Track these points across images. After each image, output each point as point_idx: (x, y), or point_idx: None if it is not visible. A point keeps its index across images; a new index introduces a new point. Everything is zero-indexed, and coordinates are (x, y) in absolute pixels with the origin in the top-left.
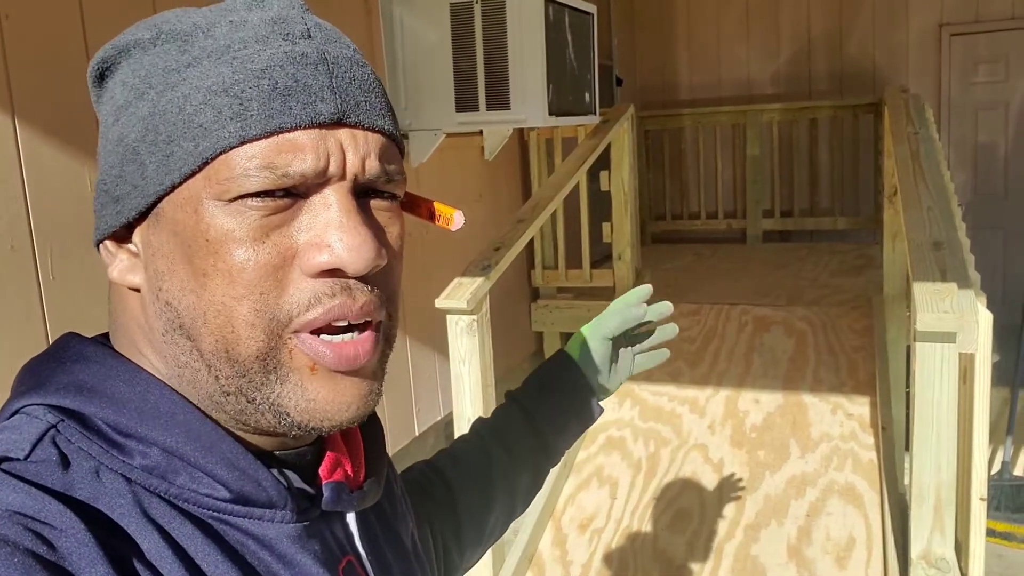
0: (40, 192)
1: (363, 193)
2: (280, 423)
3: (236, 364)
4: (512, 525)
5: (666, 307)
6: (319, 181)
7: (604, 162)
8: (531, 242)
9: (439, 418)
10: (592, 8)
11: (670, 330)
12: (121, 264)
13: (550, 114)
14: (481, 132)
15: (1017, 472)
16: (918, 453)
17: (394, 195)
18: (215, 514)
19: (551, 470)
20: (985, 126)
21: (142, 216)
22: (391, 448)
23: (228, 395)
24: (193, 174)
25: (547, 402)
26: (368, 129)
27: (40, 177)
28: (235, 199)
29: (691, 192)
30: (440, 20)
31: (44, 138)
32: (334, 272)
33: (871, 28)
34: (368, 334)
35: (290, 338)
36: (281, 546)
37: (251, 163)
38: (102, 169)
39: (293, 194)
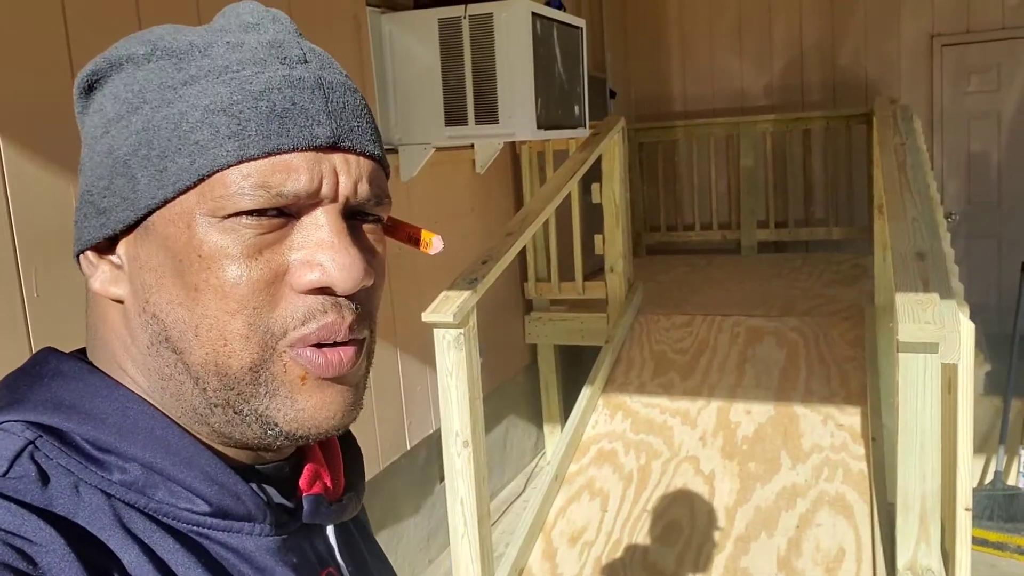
0: (24, 208)
1: (351, 215)
2: (267, 434)
3: (226, 377)
4: (504, 540)
5: None
6: (312, 202)
7: (596, 174)
8: (524, 255)
9: (431, 432)
10: (581, 22)
11: None
12: (103, 275)
13: (539, 127)
14: (472, 146)
15: (1010, 482)
16: (903, 463)
17: (380, 218)
18: (195, 528)
19: (544, 483)
20: (978, 136)
21: (129, 229)
22: (383, 462)
23: (215, 407)
24: (187, 190)
25: None
26: (360, 154)
27: (23, 193)
28: (229, 216)
29: (685, 203)
30: (429, 35)
31: (28, 154)
32: (323, 290)
33: (863, 39)
34: (352, 347)
35: (284, 351)
36: (260, 559)
37: (247, 182)
38: (87, 180)
39: (285, 213)
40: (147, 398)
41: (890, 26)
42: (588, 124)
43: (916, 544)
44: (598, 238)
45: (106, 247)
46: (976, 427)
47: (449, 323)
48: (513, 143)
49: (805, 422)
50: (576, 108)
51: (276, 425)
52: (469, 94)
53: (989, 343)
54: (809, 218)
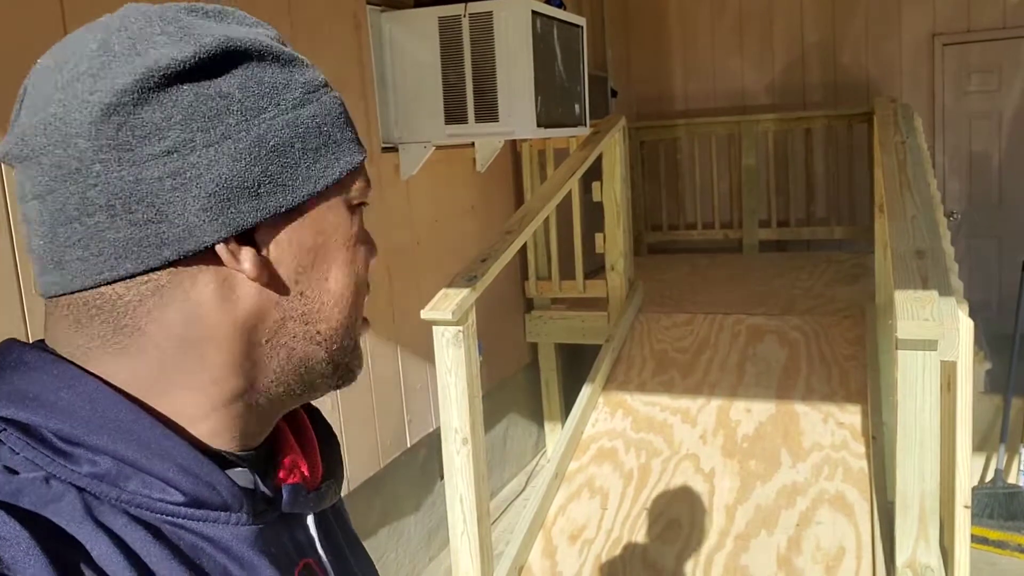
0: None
1: None
2: (341, 382)
3: (348, 339)
4: (504, 538)
5: None
6: None
7: (597, 173)
8: (525, 253)
9: (431, 429)
10: (581, 20)
11: None
12: (250, 261)
13: (539, 125)
14: (473, 144)
15: (1010, 480)
16: (902, 462)
17: None
18: (168, 519)
19: (544, 481)
20: (979, 135)
21: (279, 214)
22: (383, 460)
23: (322, 363)
24: (335, 182)
25: None
26: None
27: None
28: (357, 205)
29: (687, 202)
30: (429, 33)
31: None
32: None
33: (864, 38)
34: None
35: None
36: (237, 549)
37: (364, 179)
38: (224, 163)
39: None
40: (142, 387)
41: (891, 25)
42: (589, 122)
43: (915, 542)
44: (599, 237)
45: (241, 235)
46: (976, 425)
47: (448, 320)
48: (513, 141)
49: (805, 420)
50: (576, 106)
51: (351, 371)
52: (469, 92)
53: (990, 342)
54: (810, 217)
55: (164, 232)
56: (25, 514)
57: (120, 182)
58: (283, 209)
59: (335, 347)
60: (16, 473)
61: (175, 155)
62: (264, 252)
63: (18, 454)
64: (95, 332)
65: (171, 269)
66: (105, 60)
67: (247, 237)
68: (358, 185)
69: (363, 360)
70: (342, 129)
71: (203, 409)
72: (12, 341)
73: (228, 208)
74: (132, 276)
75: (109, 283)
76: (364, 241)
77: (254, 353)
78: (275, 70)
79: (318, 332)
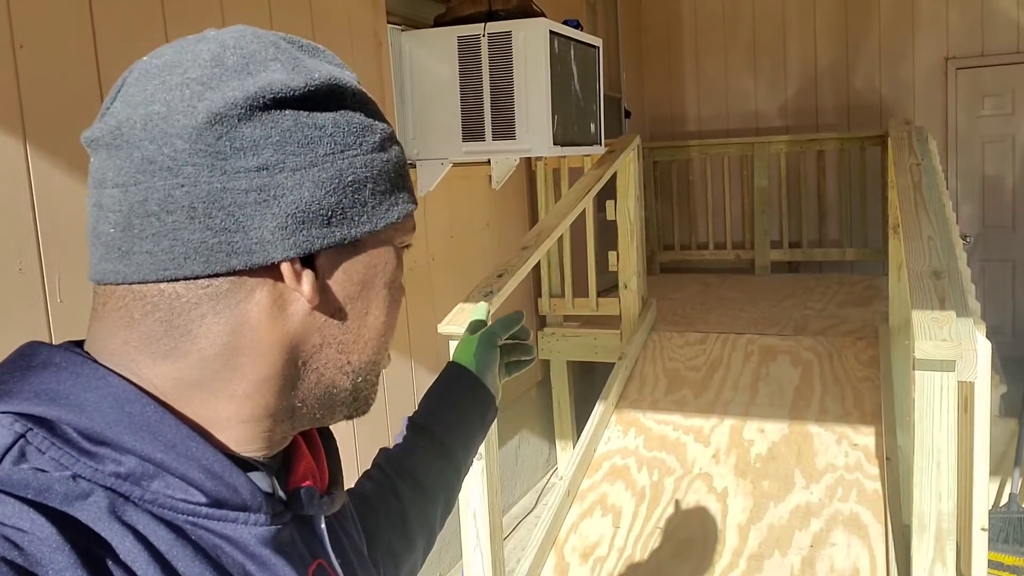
0: (49, 215)
1: None
2: (358, 411)
3: (375, 374)
4: (515, 555)
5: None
6: None
7: (611, 192)
8: (538, 270)
9: None
10: (598, 41)
11: (528, 330)
12: (309, 282)
13: (555, 144)
14: (489, 161)
15: None
16: (919, 483)
17: None
18: (190, 518)
19: (556, 498)
20: (992, 159)
21: (341, 245)
22: None
23: (345, 394)
24: (393, 223)
25: (455, 422)
26: None
27: (50, 201)
28: (403, 247)
29: (699, 222)
30: (448, 52)
31: (55, 162)
32: None
33: (878, 62)
34: None
35: None
36: (256, 548)
37: (412, 221)
38: (307, 189)
39: None
40: (172, 392)
41: (905, 49)
42: (603, 142)
43: (932, 564)
44: (612, 255)
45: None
46: (991, 449)
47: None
48: (529, 159)
49: (819, 441)
50: (592, 126)
51: (368, 404)
52: (487, 110)
53: (1004, 366)
54: (823, 239)
55: (237, 242)
56: (53, 512)
57: (208, 187)
58: (346, 240)
59: (360, 379)
60: (43, 472)
61: (264, 172)
62: (321, 277)
63: (44, 453)
64: (146, 330)
65: (233, 278)
66: (217, 72)
67: (309, 261)
68: (407, 230)
69: (378, 393)
70: (404, 178)
71: (232, 420)
72: (37, 343)
73: (301, 230)
74: (196, 278)
75: (171, 280)
76: (400, 284)
77: (289, 372)
78: (363, 115)
79: (349, 362)
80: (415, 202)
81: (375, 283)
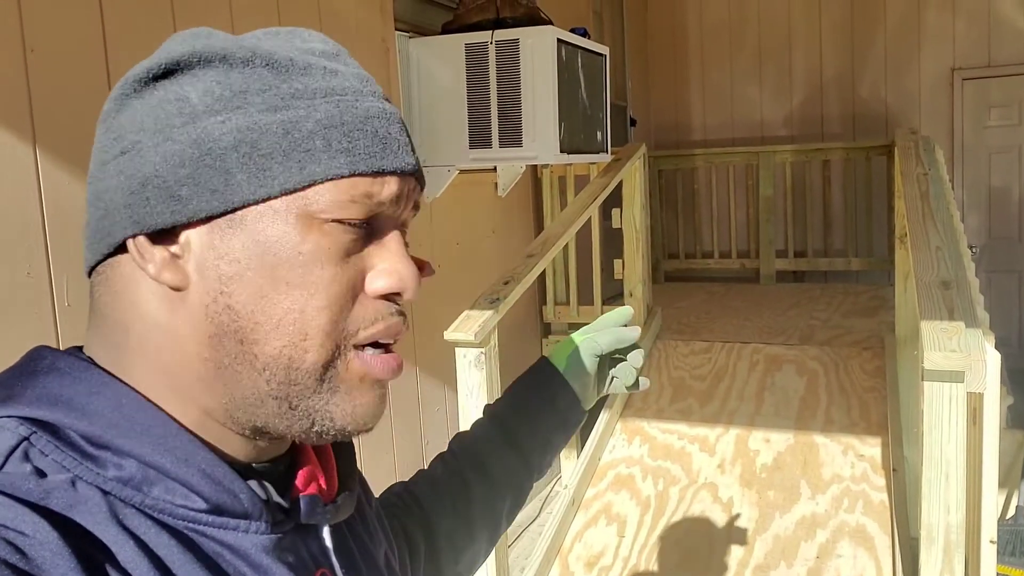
0: (57, 220)
1: None
2: (319, 429)
3: (295, 371)
4: (519, 563)
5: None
6: (392, 216)
7: (616, 200)
8: (543, 278)
9: None
10: (604, 49)
11: (639, 356)
12: (158, 262)
13: (561, 152)
14: (495, 168)
15: None
16: (927, 494)
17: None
18: (190, 525)
19: (560, 507)
20: (998, 170)
21: (204, 219)
22: (398, 480)
23: (271, 399)
24: (292, 192)
25: (531, 418)
26: (420, 183)
27: (58, 205)
28: (332, 220)
29: (704, 231)
30: (455, 59)
31: (64, 167)
32: (389, 296)
33: (883, 72)
34: (400, 356)
35: (348, 351)
36: (256, 556)
37: (355, 191)
38: (153, 163)
39: (366, 226)
40: (147, 394)
41: (911, 59)
42: (610, 150)
43: (940, 575)
44: (617, 263)
45: (158, 235)
46: (998, 461)
47: (471, 342)
48: (534, 167)
49: (825, 451)
50: (598, 134)
51: (333, 421)
52: (494, 118)
53: (1012, 377)
54: (828, 248)
55: (107, 226)
56: (54, 516)
57: (97, 182)
58: (203, 215)
59: (278, 380)
60: (45, 475)
61: (124, 156)
62: (183, 255)
63: (47, 456)
64: (94, 323)
65: (109, 261)
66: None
67: (167, 238)
68: (335, 199)
69: (366, 414)
70: (335, 139)
71: (203, 420)
72: (43, 347)
73: (144, 205)
74: (93, 268)
75: (88, 273)
76: (346, 262)
77: (197, 366)
78: (254, 75)
79: (255, 355)
80: (355, 165)
81: (266, 260)
